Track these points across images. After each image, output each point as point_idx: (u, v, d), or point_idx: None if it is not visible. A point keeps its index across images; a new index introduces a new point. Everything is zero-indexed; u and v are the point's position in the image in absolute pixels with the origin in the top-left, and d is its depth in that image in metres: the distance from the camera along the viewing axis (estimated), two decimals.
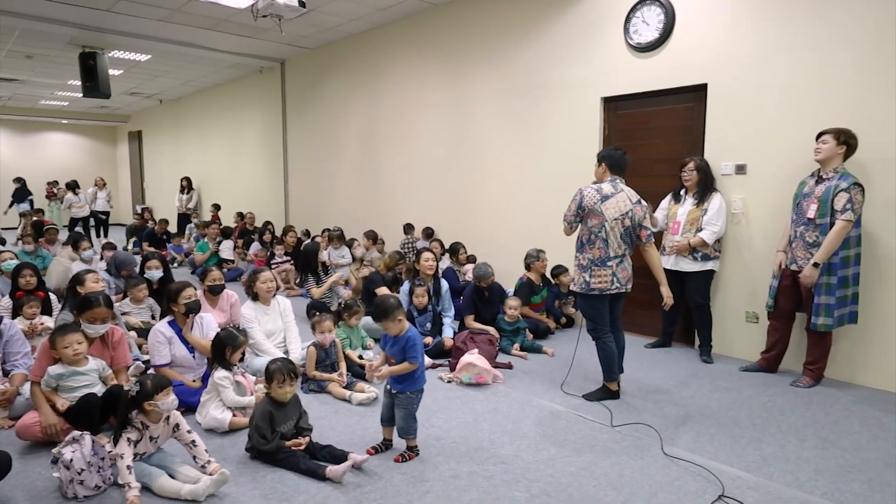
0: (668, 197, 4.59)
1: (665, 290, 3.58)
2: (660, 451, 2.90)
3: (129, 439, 2.44)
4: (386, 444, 2.89)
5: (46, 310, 4.32)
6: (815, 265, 3.60)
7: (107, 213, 13.31)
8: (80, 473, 2.39)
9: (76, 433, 2.51)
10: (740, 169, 4.34)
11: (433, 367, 4.21)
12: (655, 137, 4.92)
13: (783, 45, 4.04)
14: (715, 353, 4.48)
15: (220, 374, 3.13)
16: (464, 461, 2.80)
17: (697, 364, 4.32)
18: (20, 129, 15.94)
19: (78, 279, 3.86)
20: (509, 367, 4.22)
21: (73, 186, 12.41)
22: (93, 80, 8.33)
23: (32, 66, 9.88)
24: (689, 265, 4.34)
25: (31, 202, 13.23)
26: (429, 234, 6.89)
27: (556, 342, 4.85)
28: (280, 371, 2.74)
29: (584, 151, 5.31)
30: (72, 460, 2.39)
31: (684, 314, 4.68)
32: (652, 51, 4.77)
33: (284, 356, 3.32)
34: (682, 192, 4.48)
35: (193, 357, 3.46)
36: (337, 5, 6.61)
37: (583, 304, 3.58)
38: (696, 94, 4.59)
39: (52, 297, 4.56)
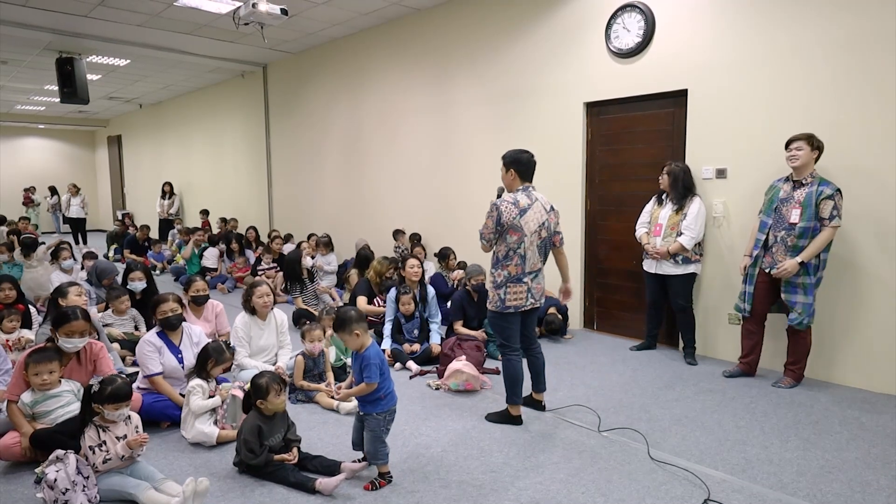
0: (653, 199, 4.65)
1: (567, 288, 3.48)
2: (646, 455, 2.93)
3: (90, 447, 2.49)
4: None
5: (27, 323, 4.24)
6: (801, 263, 3.68)
7: (83, 220, 13.12)
8: (64, 493, 2.36)
9: (60, 452, 2.47)
10: (721, 173, 4.41)
11: (421, 373, 4.21)
12: (638, 142, 4.98)
13: (762, 51, 4.12)
14: (699, 354, 4.55)
15: (194, 382, 3.13)
16: (454, 471, 2.80)
17: (682, 366, 4.38)
18: None
19: (60, 291, 3.80)
20: (497, 372, 4.23)
21: (54, 191, 12.31)
22: (70, 86, 8.18)
23: (7, 72, 9.69)
24: (671, 269, 4.40)
25: None
26: (417, 239, 6.88)
27: (544, 346, 4.86)
28: (274, 382, 2.74)
29: (568, 156, 5.37)
30: (56, 480, 2.36)
31: (668, 317, 4.75)
32: (633, 56, 4.83)
33: (267, 370, 3.30)
34: (664, 195, 4.54)
35: (182, 368, 3.42)
36: (319, 10, 6.59)
37: (495, 322, 3.33)
38: (677, 100, 4.66)
39: (33, 309, 4.48)
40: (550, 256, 3.44)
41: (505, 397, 3.38)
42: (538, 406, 3.54)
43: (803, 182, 3.72)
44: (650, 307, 4.71)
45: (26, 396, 2.91)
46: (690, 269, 4.38)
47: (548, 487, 2.64)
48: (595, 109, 5.23)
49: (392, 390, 2.71)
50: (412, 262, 4.66)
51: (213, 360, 3.15)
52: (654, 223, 4.54)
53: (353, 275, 6.05)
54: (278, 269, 7.34)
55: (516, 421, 3.34)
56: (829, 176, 3.73)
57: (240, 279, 7.82)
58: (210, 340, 3.52)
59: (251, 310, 3.98)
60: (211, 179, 11.62)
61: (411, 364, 4.28)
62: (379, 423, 2.65)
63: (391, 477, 2.69)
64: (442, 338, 4.63)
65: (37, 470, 2.45)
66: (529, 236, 3.20)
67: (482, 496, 2.57)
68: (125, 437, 2.59)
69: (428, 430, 3.27)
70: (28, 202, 15.27)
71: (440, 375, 4.05)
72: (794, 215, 3.71)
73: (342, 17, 6.90)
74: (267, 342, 4.00)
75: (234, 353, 3.45)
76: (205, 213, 11.24)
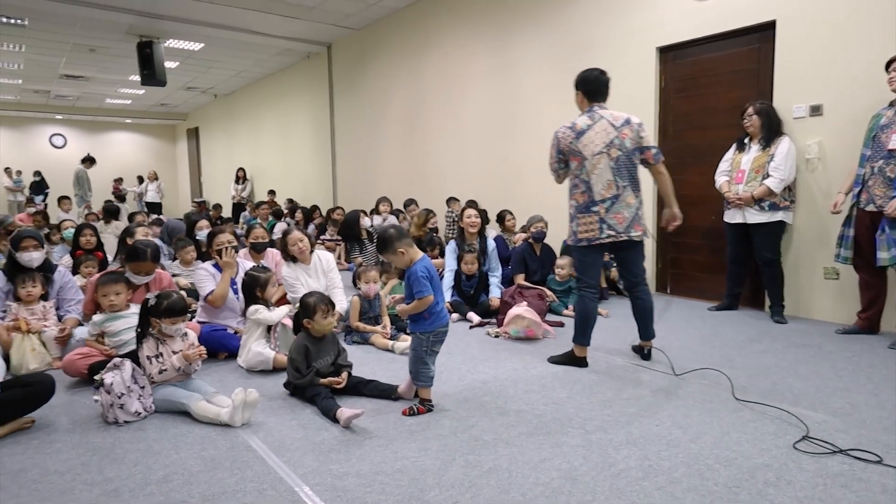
0: (733, 147, 4.24)
1: (673, 212, 3.14)
2: (731, 396, 2.62)
3: (147, 357, 2.51)
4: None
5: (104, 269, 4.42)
6: None
7: (158, 204, 13.92)
8: (119, 398, 2.37)
9: (118, 360, 2.49)
10: (815, 110, 3.95)
11: (480, 325, 4.03)
12: (717, 85, 4.57)
13: None
14: (788, 314, 4.09)
15: (252, 307, 3.10)
16: (511, 401, 2.61)
17: (769, 324, 3.95)
18: (88, 129, 16.81)
19: (129, 231, 3.94)
20: (561, 325, 3.99)
21: (141, 180, 13.50)
22: (150, 68, 8.64)
23: (96, 61, 10.36)
24: (756, 216, 3.98)
25: (46, 195, 13.43)
26: (474, 206, 6.70)
27: (611, 304, 4.57)
28: (322, 302, 2.65)
29: (639, 107, 5.00)
30: (112, 384, 2.37)
31: (752, 273, 4.31)
32: None
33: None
34: (747, 139, 4.13)
35: (238, 299, 3.43)
36: None
37: (574, 257, 3.25)
38: (763, 34, 4.23)
39: (110, 257, 4.67)
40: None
41: (572, 338, 3.13)
42: (643, 354, 3.22)
43: None
44: (731, 262, 4.29)
45: (97, 317, 3.04)
46: (778, 216, 3.95)
47: (616, 419, 2.39)
48: (669, 54, 4.86)
49: (441, 309, 2.50)
50: (469, 211, 4.49)
51: (259, 287, 3.11)
52: (735, 170, 4.13)
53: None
54: (341, 240, 7.37)
55: (581, 363, 3.09)
56: None
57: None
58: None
59: (292, 258, 3.94)
60: (280, 163, 11.94)
61: (472, 315, 4.10)
62: (422, 342, 2.47)
63: (432, 405, 2.50)
64: (502, 292, 4.41)
65: (96, 376, 2.47)
66: (591, 159, 2.98)
67: (543, 424, 2.36)
68: (178, 352, 2.57)
69: (486, 368, 3.09)
70: (117, 192, 16.37)
71: (500, 325, 3.86)
72: (893, 140, 3.24)
73: None
74: (317, 285, 3.94)
75: (270, 270, 3.38)
76: (272, 193, 11.58)
